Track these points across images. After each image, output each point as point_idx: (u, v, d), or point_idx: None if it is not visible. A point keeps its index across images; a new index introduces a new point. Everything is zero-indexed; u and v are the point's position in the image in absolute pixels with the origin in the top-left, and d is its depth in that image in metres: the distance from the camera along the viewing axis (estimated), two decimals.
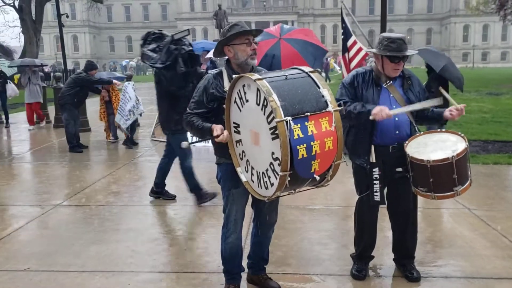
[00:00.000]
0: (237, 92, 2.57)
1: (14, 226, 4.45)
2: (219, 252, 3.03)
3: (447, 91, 6.10)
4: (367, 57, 7.54)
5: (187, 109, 2.83)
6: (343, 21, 7.04)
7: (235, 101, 2.61)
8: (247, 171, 2.65)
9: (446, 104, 3.11)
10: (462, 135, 2.96)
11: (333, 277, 3.28)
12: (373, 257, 3.33)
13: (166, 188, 5.22)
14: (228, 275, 3.01)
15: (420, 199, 3.18)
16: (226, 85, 2.70)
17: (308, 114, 2.33)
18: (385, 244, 3.63)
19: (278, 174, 2.33)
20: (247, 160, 2.62)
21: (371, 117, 2.87)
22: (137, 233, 4.20)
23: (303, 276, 3.31)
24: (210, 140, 2.89)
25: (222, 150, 2.79)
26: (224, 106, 2.67)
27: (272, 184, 2.43)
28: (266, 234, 3.05)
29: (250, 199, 2.91)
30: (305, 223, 4.41)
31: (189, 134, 8.53)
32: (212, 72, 2.86)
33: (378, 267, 3.40)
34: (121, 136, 9.03)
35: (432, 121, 3.20)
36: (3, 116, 12.16)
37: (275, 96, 2.29)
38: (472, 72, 35.80)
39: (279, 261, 3.52)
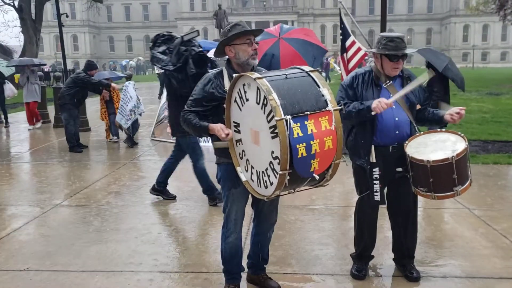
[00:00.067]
0: (238, 92, 2.58)
1: (14, 226, 4.45)
2: (219, 252, 3.03)
3: (448, 91, 6.13)
4: (366, 57, 7.54)
5: (185, 106, 2.83)
6: (341, 21, 7.02)
7: (235, 101, 2.61)
8: (247, 171, 2.65)
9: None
10: (462, 135, 2.96)
11: (333, 276, 3.28)
12: (373, 257, 3.33)
13: (167, 188, 5.22)
14: (228, 275, 3.01)
15: (420, 199, 3.18)
16: (227, 84, 2.71)
17: (308, 113, 2.33)
18: (385, 244, 3.63)
19: (277, 173, 2.33)
20: (247, 160, 2.62)
21: (372, 113, 2.86)
22: (137, 233, 4.20)
23: (303, 275, 3.31)
24: (210, 140, 2.89)
25: (222, 150, 2.79)
26: (224, 105, 2.67)
27: (271, 183, 2.43)
28: (266, 234, 3.05)
29: (250, 199, 2.91)
30: (305, 223, 4.41)
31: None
32: (213, 71, 2.86)
33: (378, 267, 3.40)
34: (122, 135, 9.05)
35: (432, 123, 3.20)
36: (2, 116, 12.14)
37: (275, 95, 2.29)
38: (472, 72, 35.81)
39: (279, 261, 3.52)
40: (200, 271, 3.42)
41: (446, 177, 2.82)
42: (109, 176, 6.42)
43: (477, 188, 5.12)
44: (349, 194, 5.11)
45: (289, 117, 2.26)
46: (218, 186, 3.03)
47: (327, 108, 2.39)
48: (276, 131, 2.27)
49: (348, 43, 6.79)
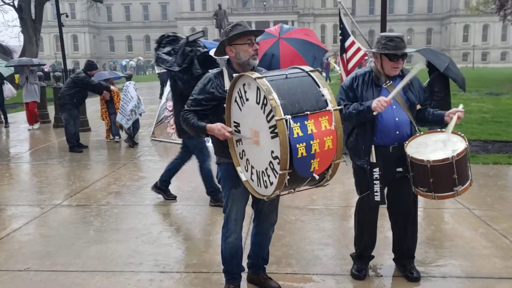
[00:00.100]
0: (238, 91, 2.58)
1: (14, 226, 4.45)
2: (219, 252, 3.03)
3: (449, 90, 6.13)
4: (366, 57, 7.53)
5: (185, 106, 2.83)
6: (340, 21, 7.01)
7: (236, 100, 2.61)
8: (247, 170, 2.65)
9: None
10: (462, 135, 2.96)
11: (333, 276, 3.28)
12: (373, 257, 3.33)
13: (169, 188, 5.20)
14: (228, 275, 3.01)
15: (420, 199, 3.18)
16: (227, 84, 2.71)
17: (308, 113, 2.33)
18: (385, 244, 3.63)
19: (277, 173, 2.33)
20: (247, 159, 2.62)
21: (374, 113, 2.86)
22: (137, 233, 4.20)
23: (303, 275, 3.31)
24: (210, 140, 2.89)
25: (222, 150, 2.79)
26: (224, 105, 2.67)
27: (271, 183, 2.43)
28: (266, 234, 3.05)
29: (250, 199, 2.91)
30: (305, 223, 4.41)
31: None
32: (213, 71, 2.86)
33: (378, 267, 3.40)
34: (123, 135, 9.05)
35: (433, 123, 3.20)
36: (2, 116, 12.13)
37: (275, 95, 2.29)
38: (472, 72, 35.82)
39: (279, 261, 3.52)
40: (200, 271, 3.42)
41: (446, 177, 2.81)
42: (109, 176, 6.42)
43: (477, 188, 5.12)
44: (349, 194, 5.11)
45: (289, 116, 2.26)
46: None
47: (327, 108, 2.39)
48: (276, 131, 2.27)
49: (347, 43, 6.78)
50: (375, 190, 3.03)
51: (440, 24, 71.79)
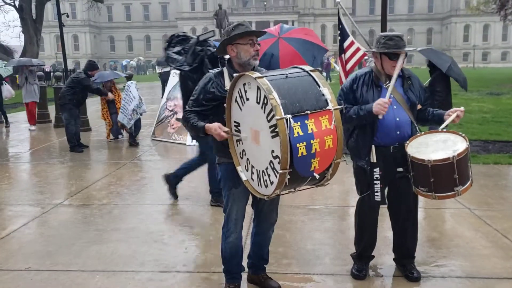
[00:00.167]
0: (238, 91, 2.58)
1: (14, 225, 4.45)
2: (219, 251, 3.03)
3: (450, 90, 6.13)
4: (366, 57, 7.52)
5: (186, 106, 2.83)
6: (339, 21, 6.99)
7: (236, 100, 2.61)
8: (247, 170, 2.65)
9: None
10: (463, 135, 2.95)
11: (333, 276, 3.28)
12: (373, 257, 3.33)
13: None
14: (228, 274, 3.01)
15: (420, 199, 3.18)
16: (227, 84, 2.71)
17: (308, 112, 2.33)
18: (385, 244, 3.63)
19: (278, 172, 2.33)
20: (247, 159, 2.62)
21: (380, 116, 2.87)
22: (138, 232, 4.20)
23: (303, 275, 3.31)
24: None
25: (223, 150, 2.80)
26: (225, 105, 2.67)
27: (272, 183, 2.44)
28: (266, 233, 3.05)
29: (250, 199, 2.91)
30: (305, 222, 4.41)
31: (189, 134, 8.57)
32: (213, 71, 2.86)
33: (378, 267, 3.40)
34: (124, 134, 9.06)
35: (433, 123, 3.20)
36: (2, 117, 12.13)
37: (275, 94, 2.29)
38: (473, 72, 35.81)
39: (279, 260, 3.52)
40: (200, 270, 3.42)
41: (447, 177, 2.81)
42: (109, 176, 6.43)
43: (478, 188, 5.12)
44: (350, 194, 5.11)
45: (289, 116, 2.26)
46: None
47: (328, 108, 2.39)
48: (277, 130, 2.27)
49: (346, 44, 6.76)
50: (375, 190, 3.03)
51: (441, 24, 71.78)
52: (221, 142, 2.73)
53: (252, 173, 2.61)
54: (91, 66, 8.27)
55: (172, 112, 9.20)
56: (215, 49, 4.53)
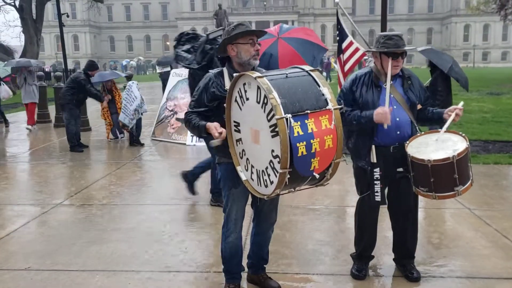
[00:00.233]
0: (238, 91, 2.58)
1: (15, 225, 4.45)
2: (219, 251, 3.03)
3: (451, 90, 6.13)
4: (366, 57, 7.51)
5: (188, 107, 2.83)
6: (338, 21, 6.97)
7: (236, 100, 2.61)
8: (247, 170, 2.65)
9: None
10: (463, 135, 2.95)
11: (333, 276, 3.28)
12: (373, 257, 3.33)
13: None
14: (228, 274, 3.01)
15: (420, 199, 3.18)
16: (227, 84, 2.71)
17: (308, 112, 2.33)
18: (385, 244, 3.63)
19: (277, 172, 2.33)
20: (247, 159, 2.62)
21: (385, 126, 2.89)
22: (138, 232, 4.20)
23: (303, 275, 3.31)
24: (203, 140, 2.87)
25: (222, 150, 2.79)
26: (225, 105, 2.67)
27: (271, 182, 2.44)
28: (266, 233, 3.05)
29: (250, 199, 2.91)
30: (305, 222, 4.41)
31: (189, 134, 8.59)
32: (213, 71, 2.86)
33: (378, 267, 3.40)
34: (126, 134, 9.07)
35: (433, 122, 3.20)
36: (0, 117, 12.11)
37: (275, 94, 2.29)
38: (473, 72, 35.81)
39: (279, 260, 3.52)
40: (200, 270, 3.42)
41: (447, 177, 2.81)
42: (110, 175, 6.43)
43: (478, 188, 5.12)
44: (350, 194, 5.11)
45: (289, 115, 2.26)
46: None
47: (327, 107, 2.39)
48: (277, 129, 2.27)
49: (345, 44, 6.73)
50: (375, 190, 3.02)
51: (441, 24, 71.79)
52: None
53: (252, 172, 2.61)
54: (91, 66, 8.26)
55: (172, 112, 9.20)
56: None
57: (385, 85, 3.02)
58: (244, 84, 2.52)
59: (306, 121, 2.32)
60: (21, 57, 23.46)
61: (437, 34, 71.87)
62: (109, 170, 6.78)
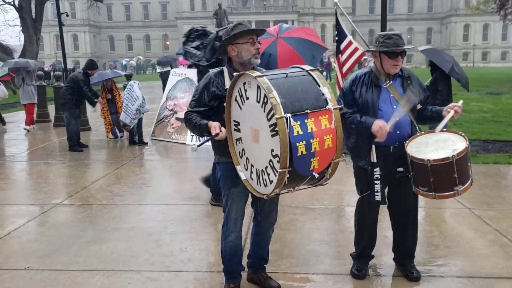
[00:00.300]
0: (238, 90, 2.58)
1: (14, 225, 4.45)
2: (219, 251, 3.03)
3: (451, 90, 6.13)
4: (365, 57, 7.50)
5: (188, 107, 2.83)
6: (337, 21, 6.94)
7: (236, 99, 2.61)
8: (246, 169, 2.65)
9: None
10: (463, 134, 2.95)
11: (333, 276, 3.28)
12: (373, 256, 3.33)
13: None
14: (228, 274, 3.01)
15: (420, 198, 3.18)
16: (227, 83, 2.71)
17: (308, 111, 2.34)
18: (385, 244, 3.63)
19: (277, 171, 2.33)
20: (247, 158, 2.62)
21: (375, 140, 2.91)
22: (138, 232, 4.20)
23: (303, 275, 3.31)
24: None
25: (222, 149, 2.80)
26: (225, 104, 2.67)
27: (271, 182, 2.44)
28: (266, 233, 3.05)
29: (250, 198, 2.91)
30: (305, 222, 4.41)
31: (189, 133, 8.58)
32: (214, 70, 2.86)
33: (378, 267, 3.40)
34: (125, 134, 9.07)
35: (432, 120, 3.20)
36: None
37: (275, 93, 2.30)
38: (473, 71, 35.81)
39: (279, 260, 3.52)
40: (200, 270, 3.42)
41: (446, 177, 2.81)
42: (109, 175, 6.42)
43: (478, 188, 5.12)
44: (349, 194, 5.10)
45: (289, 115, 2.27)
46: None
47: (327, 107, 2.39)
48: (276, 129, 2.27)
49: (343, 44, 6.71)
50: (375, 190, 3.02)
51: (440, 24, 71.79)
52: (220, 142, 2.73)
53: (252, 172, 2.61)
54: (91, 65, 8.25)
55: (171, 112, 9.20)
56: None
57: (385, 85, 3.01)
58: (244, 83, 2.52)
59: (305, 120, 2.32)
60: (20, 56, 23.47)
61: (436, 34, 71.88)
62: (109, 169, 6.77)
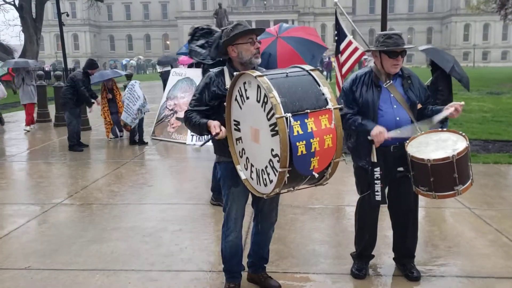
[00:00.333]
0: (238, 90, 2.58)
1: (14, 224, 4.45)
2: (219, 250, 3.03)
3: (451, 90, 6.12)
4: (365, 56, 7.49)
5: (188, 106, 2.83)
6: (337, 21, 6.93)
7: (236, 99, 2.61)
8: (246, 169, 2.65)
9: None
10: (463, 134, 2.95)
11: (333, 276, 3.28)
12: (373, 256, 3.33)
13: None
14: (228, 273, 3.01)
15: (421, 198, 3.18)
16: (228, 83, 2.71)
17: (308, 111, 2.33)
18: (385, 244, 3.63)
19: (277, 171, 2.33)
20: (247, 158, 2.62)
21: (369, 137, 2.91)
22: (138, 231, 4.20)
23: (303, 275, 3.31)
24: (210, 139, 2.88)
25: (222, 149, 2.79)
26: (225, 104, 2.67)
27: (271, 181, 2.44)
28: (266, 233, 3.05)
29: (250, 198, 2.91)
30: (305, 222, 4.41)
31: (189, 133, 8.58)
32: (214, 70, 2.86)
33: (378, 266, 3.40)
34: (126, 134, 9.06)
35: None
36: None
37: (275, 93, 2.29)
38: (473, 71, 35.80)
39: (279, 260, 3.52)
40: (200, 269, 3.42)
41: (446, 176, 2.81)
42: (109, 175, 6.43)
43: (478, 188, 5.12)
44: (350, 193, 5.10)
45: (289, 114, 2.27)
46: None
47: (327, 107, 2.39)
48: (276, 128, 2.27)
49: (343, 45, 6.70)
50: (376, 190, 3.02)
51: (441, 23, 71.77)
52: (221, 141, 2.73)
53: (252, 172, 2.61)
54: (91, 65, 8.25)
55: (172, 111, 9.20)
56: None
57: (385, 85, 3.01)
58: (245, 83, 2.52)
59: (306, 120, 2.32)
60: (21, 56, 23.47)
61: (437, 34, 71.85)
62: (109, 169, 6.78)
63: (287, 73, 2.47)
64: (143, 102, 8.47)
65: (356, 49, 6.62)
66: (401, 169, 3.03)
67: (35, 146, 9.02)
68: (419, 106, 3.13)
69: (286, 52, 5.28)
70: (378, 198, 3.03)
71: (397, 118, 3.00)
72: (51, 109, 12.40)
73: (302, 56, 5.29)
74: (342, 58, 6.72)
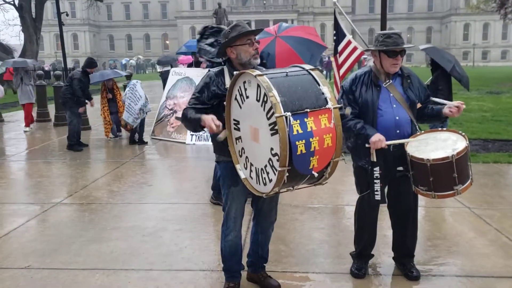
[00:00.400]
0: (238, 89, 2.58)
1: (14, 224, 4.45)
2: (219, 250, 3.03)
3: (451, 89, 6.13)
4: (365, 56, 7.49)
5: (187, 104, 2.83)
6: (336, 21, 6.92)
7: (236, 98, 2.61)
8: (246, 168, 2.66)
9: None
10: (463, 134, 2.95)
11: (332, 275, 3.28)
12: (372, 255, 3.33)
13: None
14: (227, 273, 3.01)
15: (420, 198, 3.18)
16: (228, 82, 2.71)
17: (308, 110, 2.34)
18: (385, 243, 3.64)
19: (276, 170, 2.33)
20: (247, 157, 2.63)
21: (367, 145, 2.92)
22: (138, 231, 4.20)
23: (302, 274, 3.31)
24: (210, 139, 2.88)
25: (222, 148, 2.80)
26: (224, 103, 2.68)
27: (270, 180, 2.44)
28: (266, 232, 3.05)
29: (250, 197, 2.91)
30: (304, 221, 4.41)
31: (189, 133, 8.58)
32: (214, 69, 2.86)
33: (378, 266, 3.40)
34: (125, 134, 9.05)
35: (432, 118, 3.20)
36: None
37: (275, 92, 2.30)
38: (473, 70, 35.81)
39: (279, 259, 3.52)
40: (200, 269, 3.42)
41: (446, 176, 2.81)
42: (109, 174, 6.43)
43: (477, 187, 5.12)
44: (349, 193, 5.10)
45: (289, 114, 2.27)
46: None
47: (327, 106, 2.39)
48: (276, 128, 2.27)
49: (342, 45, 6.68)
50: (375, 189, 3.02)
51: (440, 23, 71.78)
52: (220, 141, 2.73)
53: (251, 171, 2.61)
54: (90, 64, 8.25)
55: (171, 111, 9.20)
56: None
57: (385, 84, 3.01)
58: (244, 82, 2.52)
59: (305, 119, 2.32)
60: (20, 56, 23.45)
61: (436, 33, 71.86)
62: (109, 168, 6.78)
63: (287, 72, 2.47)
64: (144, 102, 8.47)
65: (355, 48, 6.61)
66: (400, 168, 3.03)
67: (35, 145, 9.02)
68: (418, 105, 3.13)
69: (284, 51, 5.28)
70: (378, 197, 3.03)
71: (397, 118, 3.00)
72: (51, 108, 12.40)
73: (301, 55, 5.28)
74: (341, 58, 6.72)
